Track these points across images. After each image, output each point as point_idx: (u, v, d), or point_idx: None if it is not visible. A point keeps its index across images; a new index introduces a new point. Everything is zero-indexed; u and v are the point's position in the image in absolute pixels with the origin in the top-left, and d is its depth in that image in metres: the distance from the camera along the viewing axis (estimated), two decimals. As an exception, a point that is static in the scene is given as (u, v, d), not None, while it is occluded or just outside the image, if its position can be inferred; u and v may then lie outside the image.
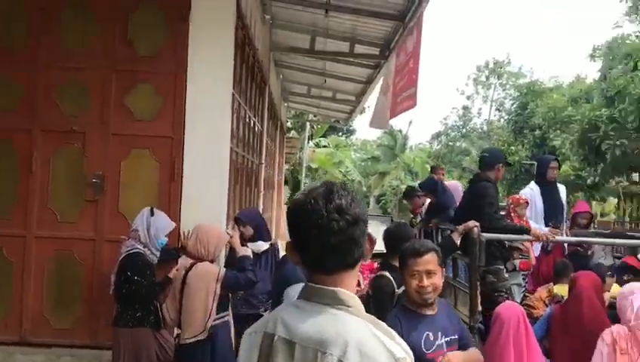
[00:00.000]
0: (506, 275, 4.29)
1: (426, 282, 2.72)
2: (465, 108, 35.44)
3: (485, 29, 76.32)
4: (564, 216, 5.83)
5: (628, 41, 12.11)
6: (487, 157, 4.82)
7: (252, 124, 8.30)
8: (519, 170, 22.39)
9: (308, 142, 29.60)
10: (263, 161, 9.78)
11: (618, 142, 10.07)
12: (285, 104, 19.08)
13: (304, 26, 9.74)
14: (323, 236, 1.37)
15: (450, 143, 34.47)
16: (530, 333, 3.25)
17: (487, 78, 34.03)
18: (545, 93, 19.17)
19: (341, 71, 12.08)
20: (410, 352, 1.36)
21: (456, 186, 6.94)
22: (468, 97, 34.81)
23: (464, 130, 35.33)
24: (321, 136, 38.54)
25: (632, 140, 10.25)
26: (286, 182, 29.28)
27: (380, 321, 1.40)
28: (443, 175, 7.04)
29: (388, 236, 3.67)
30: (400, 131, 49.86)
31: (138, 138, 5.02)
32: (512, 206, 5.65)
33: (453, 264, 4.87)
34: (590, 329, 3.38)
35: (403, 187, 38.28)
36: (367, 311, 1.42)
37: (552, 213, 5.68)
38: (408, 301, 2.83)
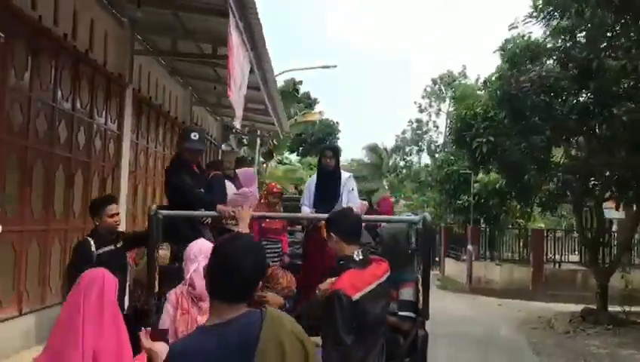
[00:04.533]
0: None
1: None
2: (418, 121, 35.47)
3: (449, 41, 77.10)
4: (339, 201, 5.67)
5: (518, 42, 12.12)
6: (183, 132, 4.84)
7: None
8: (457, 179, 22.37)
9: (259, 157, 29.56)
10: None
11: (484, 140, 9.95)
12: (218, 117, 19.18)
13: (164, 28, 9.71)
14: None
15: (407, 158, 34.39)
16: (106, 299, 3.09)
17: (441, 90, 34.10)
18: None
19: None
20: None
21: (245, 172, 6.75)
22: (421, 110, 34.81)
23: (419, 145, 35.32)
24: (302, 156, 38.20)
25: (503, 136, 10.06)
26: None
27: None
28: None
29: None
30: (385, 149, 49.90)
31: None
32: (264, 193, 5.54)
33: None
34: None
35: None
36: None
37: (324, 199, 5.59)
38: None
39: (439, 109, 34.56)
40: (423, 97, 34.66)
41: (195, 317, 3.00)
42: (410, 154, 34.37)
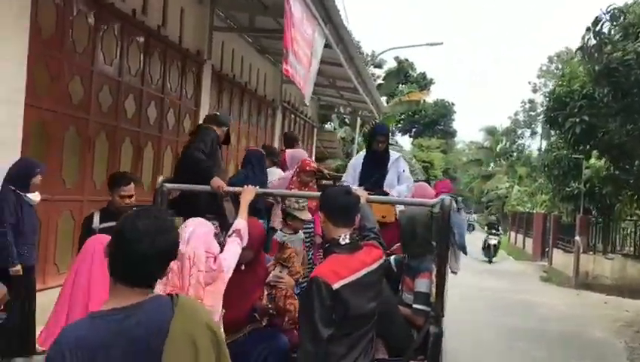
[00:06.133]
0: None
1: None
2: (531, 102, 33.11)
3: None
4: (384, 181, 5.35)
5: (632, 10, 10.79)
6: (219, 116, 5.01)
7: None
8: (567, 164, 20.51)
9: (360, 138, 29.28)
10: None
11: (578, 119, 8.86)
12: (314, 96, 19.20)
13: (243, 3, 9.66)
14: None
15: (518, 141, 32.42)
16: (99, 265, 3.06)
17: (558, 68, 31.58)
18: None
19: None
20: None
21: (293, 152, 6.47)
22: (534, 90, 32.42)
23: (532, 127, 33.07)
24: (414, 137, 37.32)
25: (600, 116, 8.92)
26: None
27: None
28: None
29: None
30: (499, 132, 47.52)
31: None
32: (297, 170, 5.24)
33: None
34: None
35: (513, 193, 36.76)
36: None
37: (369, 179, 5.36)
38: None
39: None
40: (538, 77, 32.39)
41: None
42: (523, 137, 32.38)
